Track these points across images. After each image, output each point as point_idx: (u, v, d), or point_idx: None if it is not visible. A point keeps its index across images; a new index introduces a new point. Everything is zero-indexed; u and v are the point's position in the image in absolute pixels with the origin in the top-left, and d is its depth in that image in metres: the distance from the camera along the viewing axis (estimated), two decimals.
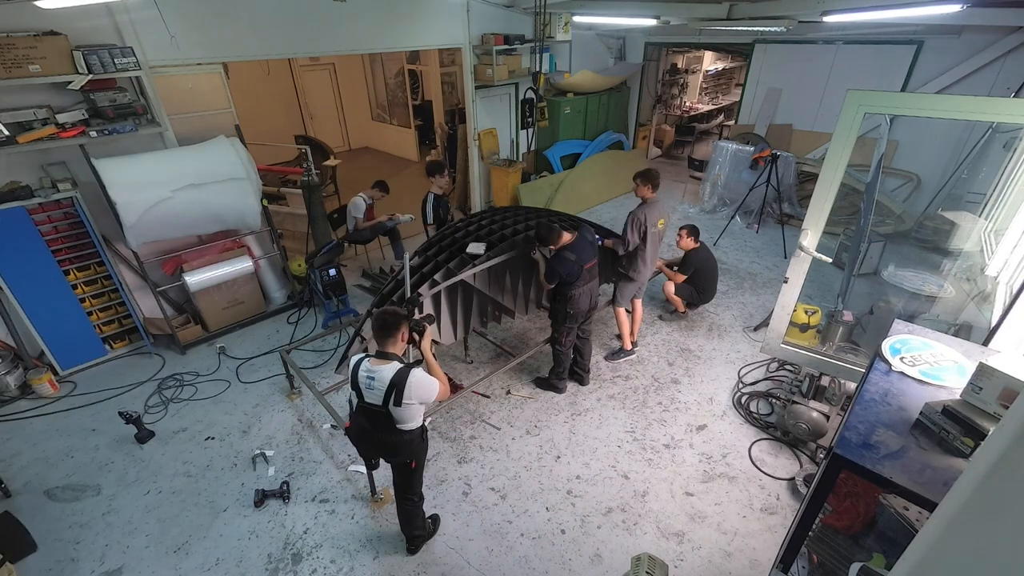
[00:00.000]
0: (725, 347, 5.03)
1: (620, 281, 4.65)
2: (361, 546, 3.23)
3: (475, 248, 4.06)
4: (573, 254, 3.83)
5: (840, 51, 7.53)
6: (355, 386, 2.62)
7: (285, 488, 3.53)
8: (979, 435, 1.66)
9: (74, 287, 4.55)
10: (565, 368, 4.40)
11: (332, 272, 5.17)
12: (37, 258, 4.26)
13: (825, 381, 3.86)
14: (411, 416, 2.63)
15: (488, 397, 4.44)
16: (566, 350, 4.28)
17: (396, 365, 2.54)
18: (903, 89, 6.97)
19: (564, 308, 4.06)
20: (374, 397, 2.56)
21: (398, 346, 2.62)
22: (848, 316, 3.91)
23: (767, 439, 3.95)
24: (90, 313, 4.72)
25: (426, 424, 2.84)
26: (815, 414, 3.67)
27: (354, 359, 2.65)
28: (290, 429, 4.15)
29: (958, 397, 1.79)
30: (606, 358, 4.89)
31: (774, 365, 4.71)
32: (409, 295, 3.59)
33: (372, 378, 2.54)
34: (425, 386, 2.55)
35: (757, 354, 4.83)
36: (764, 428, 4.05)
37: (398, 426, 2.64)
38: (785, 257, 6.67)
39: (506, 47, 7.36)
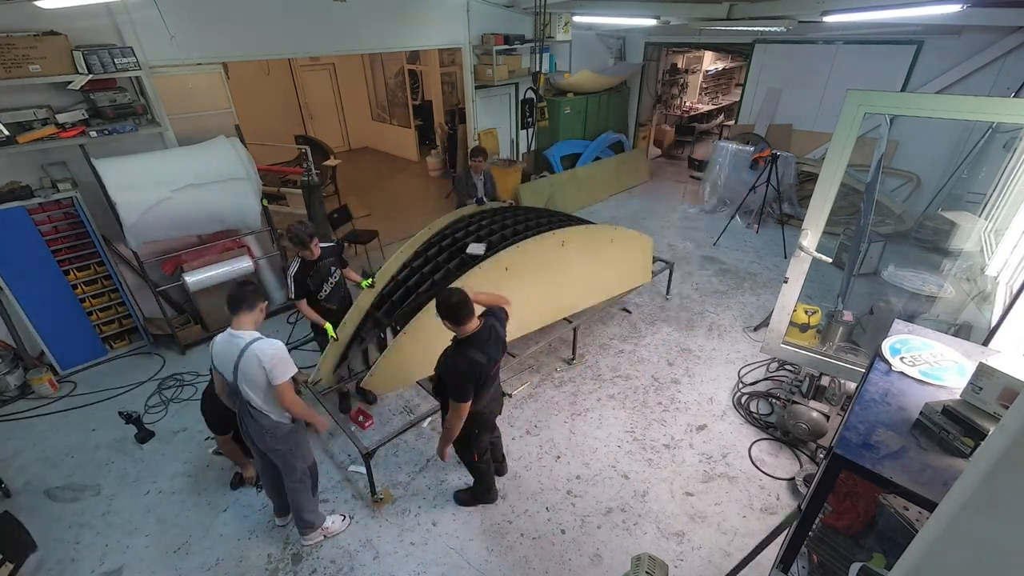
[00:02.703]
0: (725, 347, 5.03)
1: None
2: (361, 546, 3.23)
3: (475, 248, 4.05)
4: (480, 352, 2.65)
5: (840, 51, 7.52)
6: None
7: None
8: (979, 435, 1.66)
9: (74, 287, 4.55)
10: (490, 479, 3.43)
11: None
12: (37, 258, 4.26)
13: (825, 381, 3.86)
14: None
15: None
16: (485, 463, 3.31)
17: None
18: (903, 89, 6.97)
19: (472, 428, 2.93)
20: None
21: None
22: (848, 316, 3.91)
23: (767, 439, 3.95)
24: (90, 313, 4.72)
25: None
26: (815, 414, 3.66)
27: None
28: None
29: (958, 397, 1.79)
30: None
31: (774, 365, 4.71)
32: None
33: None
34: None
35: (757, 354, 4.82)
36: (764, 428, 4.04)
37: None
38: (785, 257, 6.67)
39: (506, 47, 7.36)
